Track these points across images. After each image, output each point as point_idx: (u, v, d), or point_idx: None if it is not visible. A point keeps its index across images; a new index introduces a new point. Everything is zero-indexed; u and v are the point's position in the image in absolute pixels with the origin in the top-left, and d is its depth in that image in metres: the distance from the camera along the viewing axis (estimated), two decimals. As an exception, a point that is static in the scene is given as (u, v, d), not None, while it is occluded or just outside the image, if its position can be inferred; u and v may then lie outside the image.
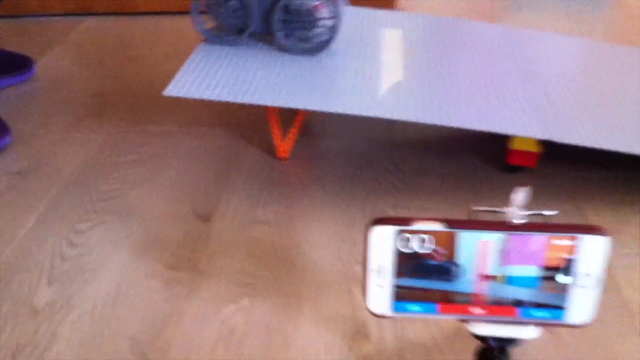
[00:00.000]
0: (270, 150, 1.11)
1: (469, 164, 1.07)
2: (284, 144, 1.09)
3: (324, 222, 0.93)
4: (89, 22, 1.74)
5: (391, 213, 0.94)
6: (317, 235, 0.90)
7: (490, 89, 1.03)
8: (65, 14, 1.80)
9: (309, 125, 1.19)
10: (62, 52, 1.55)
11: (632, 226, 0.91)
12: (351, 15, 1.22)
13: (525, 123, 0.94)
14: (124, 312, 0.77)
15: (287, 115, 1.17)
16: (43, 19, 1.77)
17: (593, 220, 0.93)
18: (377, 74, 1.03)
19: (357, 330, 0.75)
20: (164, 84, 1.37)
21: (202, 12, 1.06)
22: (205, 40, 1.07)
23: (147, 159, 1.10)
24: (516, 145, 1.02)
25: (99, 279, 0.83)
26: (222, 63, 1.01)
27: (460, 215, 0.94)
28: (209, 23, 1.07)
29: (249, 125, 1.20)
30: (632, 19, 1.69)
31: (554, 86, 1.08)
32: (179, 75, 0.95)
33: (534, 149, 1.02)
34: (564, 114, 0.99)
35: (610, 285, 0.81)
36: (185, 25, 1.71)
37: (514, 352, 0.61)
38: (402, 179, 1.03)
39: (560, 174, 1.03)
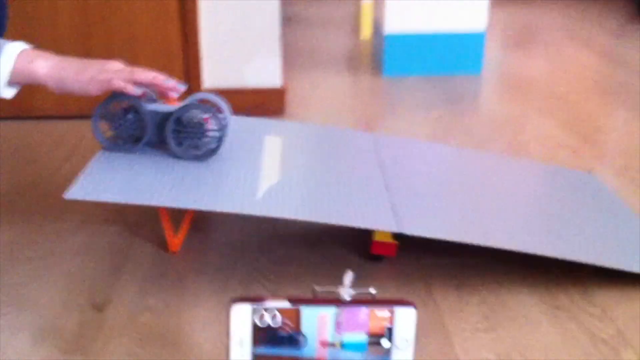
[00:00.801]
0: (161, 244, 1.23)
1: (338, 254, 1.22)
2: (175, 239, 1.21)
3: (208, 309, 1.05)
4: (-8, 126, 1.84)
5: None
6: (202, 320, 1.02)
7: (357, 189, 1.20)
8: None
9: (198, 221, 1.33)
10: (-35, 155, 1.63)
11: (473, 305, 1.09)
12: (239, 124, 1.38)
13: (382, 220, 1.11)
14: (22, 394, 0.86)
15: (178, 212, 1.30)
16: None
17: (439, 301, 1.09)
18: (258, 177, 1.18)
19: (233, 400, 0.86)
20: (61, 185, 1.47)
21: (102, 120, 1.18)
22: (104, 148, 1.20)
23: (44, 255, 1.19)
24: (377, 237, 1.19)
25: (-1, 365, 0.91)
26: (120, 168, 1.13)
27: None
28: (107, 133, 1.19)
29: (140, 222, 1.32)
30: (489, 125, 1.95)
31: (411, 186, 1.27)
32: (79, 179, 1.07)
33: (392, 240, 1.19)
34: (416, 211, 1.17)
35: (450, 353, 0.97)
36: (81, 129, 1.83)
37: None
38: (278, 270, 1.17)
39: (416, 262, 1.20)
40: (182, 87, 1.15)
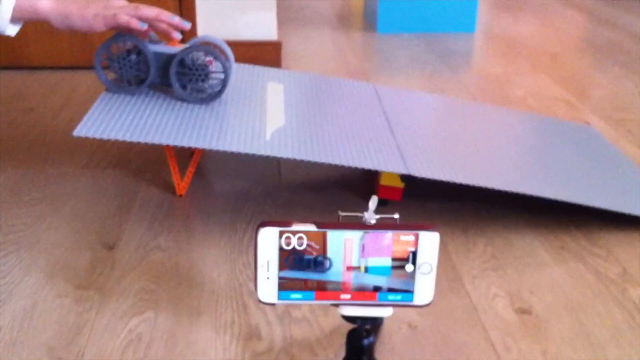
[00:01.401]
0: (167, 188, 1.23)
1: (344, 199, 1.23)
2: (182, 182, 1.21)
3: (220, 248, 1.05)
4: (-15, 76, 1.80)
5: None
6: (214, 258, 1.03)
7: (361, 133, 1.20)
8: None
9: (202, 166, 1.32)
10: (-41, 103, 1.60)
11: (480, 246, 1.10)
12: (241, 71, 1.37)
13: (389, 161, 1.12)
14: (40, 325, 0.86)
15: (183, 158, 1.29)
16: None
17: (447, 242, 1.11)
18: (264, 121, 1.18)
19: (251, 333, 0.87)
20: (61, 132, 1.46)
21: (104, 67, 1.16)
22: (107, 90, 1.18)
23: (49, 197, 1.19)
24: (384, 182, 1.20)
25: (15, 298, 0.91)
26: (125, 109, 1.12)
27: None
28: (110, 75, 1.18)
29: (143, 167, 1.31)
30: (481, 80, 1.96)
31: (414, 132, 1.27)
32: (86, 118, 1.06)
33: (398, 184, 1.20)
34: (421, 155, 1.18)
35: (461, 290, 0.98)
36: (74, 78, 1.80)
37: (379, 333, 0.75)
38: (285, 214, 1.17)
39: (421, 206, 1.21)
40: (187, 25, 1.13)
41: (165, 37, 1.16)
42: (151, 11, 1.09)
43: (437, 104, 1.49)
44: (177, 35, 1.14)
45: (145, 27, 1.09)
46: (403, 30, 2.46)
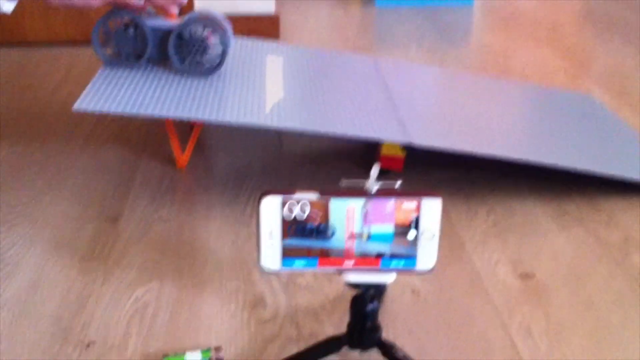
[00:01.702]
0: (168, 161, 1.23)
1: (345, 170, 1.23)
2: (183, 155, 1.21)
3: (222, 219, 1.06)
4: (-18, 53, 1.80)
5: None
6: (217, 229, 1.03)
7: (362, 104, 1.20)
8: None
9: (202, 140, 1.32)
10: (-42, 81, 1.60)
11: (482, 214, 1.10)
12: (239, 44, 1.37)
13: (390, 131, 1.12)
14: (46, 297, 0.87)
15: (184, 132, 1.29)
16: None
17: (450, 210, 1.11)
18: (264, 93, 1.17)
19: (255, 301, 0.88)
20: (60, 108, 1.46)
21: (102, 43, 1.15)
22: (106, 65, 1.17)
23: (50, 172, 1.19)
24: (385, 151, 1.20)
25: (21, 270, 0.92)
26: (124, 83, 1.12)
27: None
28: (108, 50, 1.17)
29: (144, 141, 1.31)
30: (481, 53, 1.95)
31: (415, 103, 1.27)
32: (85, 93, 1.06)
33: (400, 154, 1.20)
34: (422, 125, 1.18)
35: (463, 257, 0.99)
36: (72, 54, 1.79)
37: (383, 300, 0.76)
38: (287, 186, 1.17)
39: (423, 176, 1.21)
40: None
41: (163, 12, 1.15)
42: None
43: (438, 76, 1.49)
44: (175, 10, 1.13)
45: (142, 2, 1.09)
46: (401, 4, 2.44)
